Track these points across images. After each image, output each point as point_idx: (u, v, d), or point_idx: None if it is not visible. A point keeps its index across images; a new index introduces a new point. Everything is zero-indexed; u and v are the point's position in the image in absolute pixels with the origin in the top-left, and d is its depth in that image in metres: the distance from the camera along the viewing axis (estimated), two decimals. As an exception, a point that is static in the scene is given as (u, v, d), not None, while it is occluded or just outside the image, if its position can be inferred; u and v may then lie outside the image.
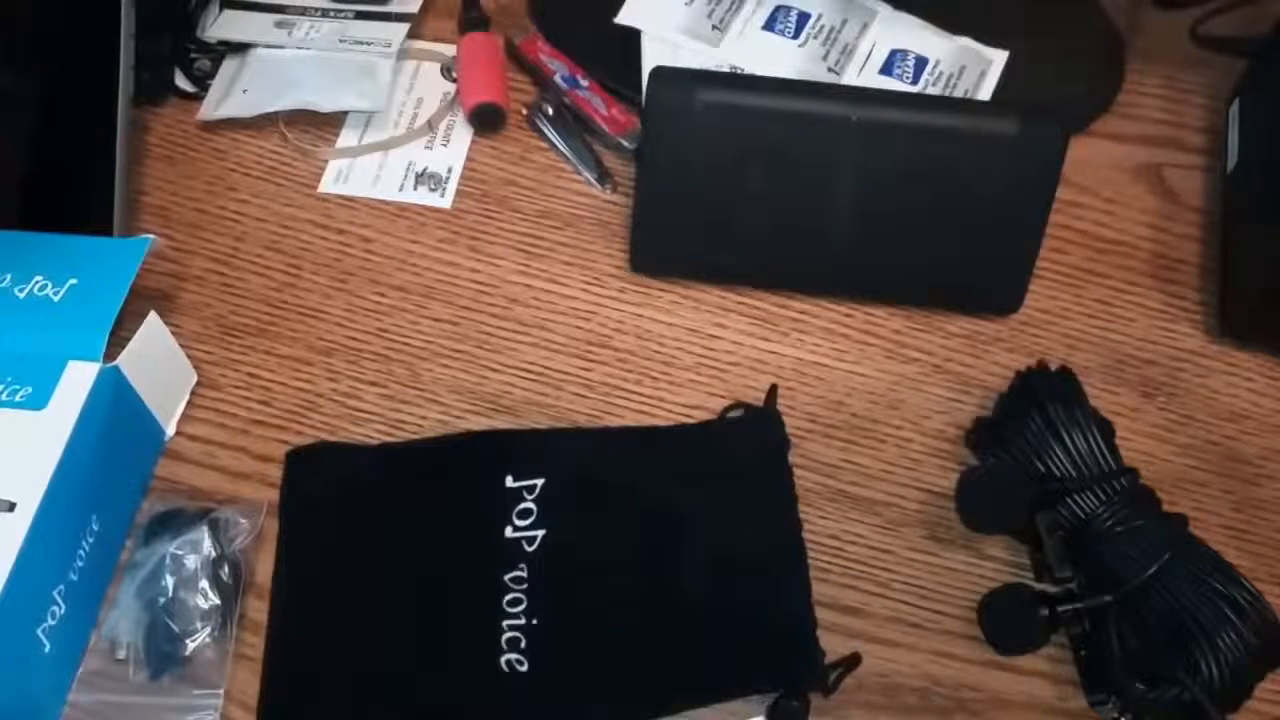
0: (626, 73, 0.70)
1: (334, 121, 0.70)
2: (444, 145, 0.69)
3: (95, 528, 0.52)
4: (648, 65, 0.69)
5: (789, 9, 0.72)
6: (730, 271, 0.63)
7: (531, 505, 0.55)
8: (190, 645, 0.51)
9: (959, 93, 0.69)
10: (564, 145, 0.69)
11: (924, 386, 0.61)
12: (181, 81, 0.71)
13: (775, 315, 0.63)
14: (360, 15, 0.73)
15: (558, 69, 0.70)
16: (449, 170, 0.68)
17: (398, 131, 0.70)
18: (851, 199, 0.60)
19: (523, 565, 0.53)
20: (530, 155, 0.69)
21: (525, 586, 0.52)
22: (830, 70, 0.70)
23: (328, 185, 0.68)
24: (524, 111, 0.70)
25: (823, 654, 0.51)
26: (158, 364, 0.57)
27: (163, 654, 0.51)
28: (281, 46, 0.71)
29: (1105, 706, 0.50)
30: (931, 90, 0.69)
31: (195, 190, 0.67)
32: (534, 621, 0.52)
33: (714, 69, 0.69)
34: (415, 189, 0.68)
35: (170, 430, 0.58)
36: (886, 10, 0.72)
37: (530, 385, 0.60)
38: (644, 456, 0.57)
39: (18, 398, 0.51)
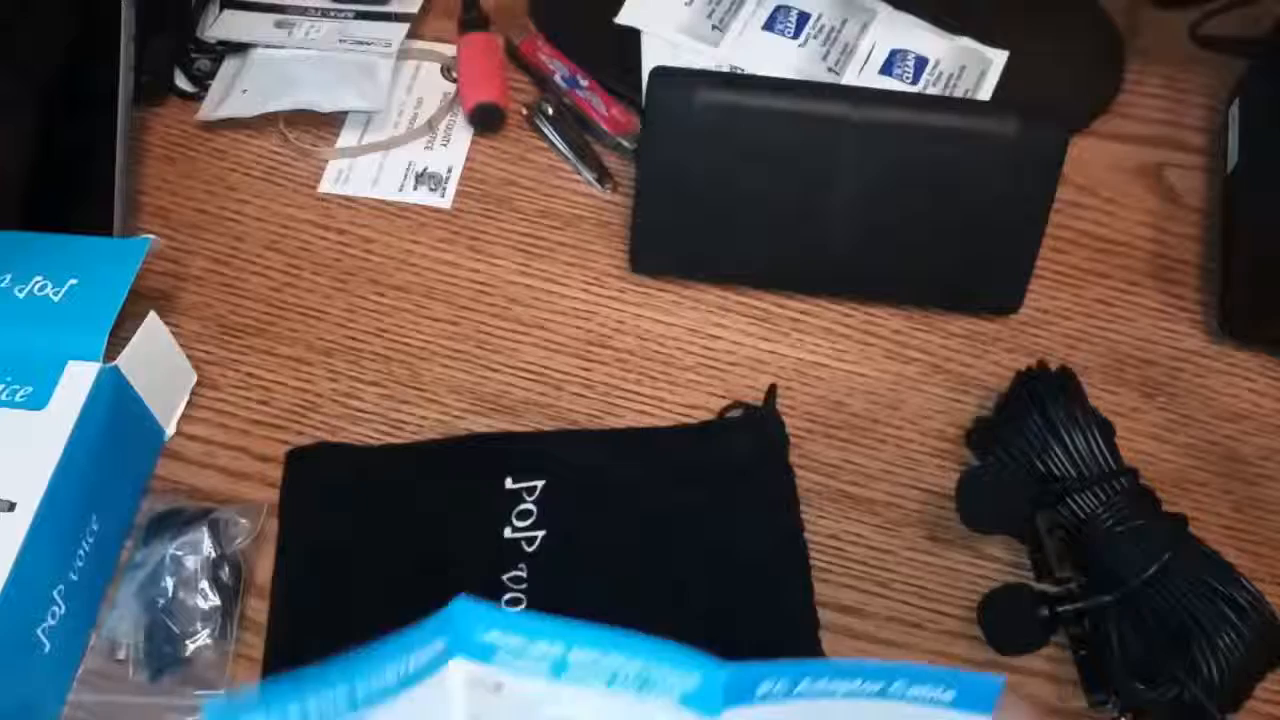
0: (626, 73, 0.70)
1: (334, 121, 0.70)
2: (444, 145, 0.69)
3: (95, 528, 0.52)
4: (648, 65, 0.69)
5: (789, 9, 0.72)
6: (730, 271, 0.63)
7: (531, 506, 0.55)
8: (190, 646, 0.51)
9: (959, 93, 0.69)
10: (564, 145, 0.69)
11: (924, 386, 0.61)
12: (181, 81, 0.71)
13: (775, 315, 0.63)
14: (360, 15, 0.73)
15: (558, 69, 0.70)
16: (449, 170, 0.68)
17: (398, 131, 0.70)
18: (851, 199, 0.60)
19: (522, 565, 0.53)
20: (530, 155, 0.69)
21: (525, 587, 0.52)
22: (830, 70, 0.70)
23: (328, 185, 0.68)
24: (524, 111, 0.70)
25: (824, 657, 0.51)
26: (158, 364, 0.57)
27: (163, 654, 0.51)
28: (281, 46, 0.71)
29: (1105, 706, 0.50)
30: (931, 90, 0.69)
31: (195, 190, 0.67)
32: (534, 622, 0.52)
33: (714, 69, 0.69)
34: (415, 189, 0.67)
35: (170, 430, 0.58)
36: (886, 10, 0.72)
37: (530, 385, 0.60)
38: (644, 457, 0.57)
39: (18, 398, 0.51)
